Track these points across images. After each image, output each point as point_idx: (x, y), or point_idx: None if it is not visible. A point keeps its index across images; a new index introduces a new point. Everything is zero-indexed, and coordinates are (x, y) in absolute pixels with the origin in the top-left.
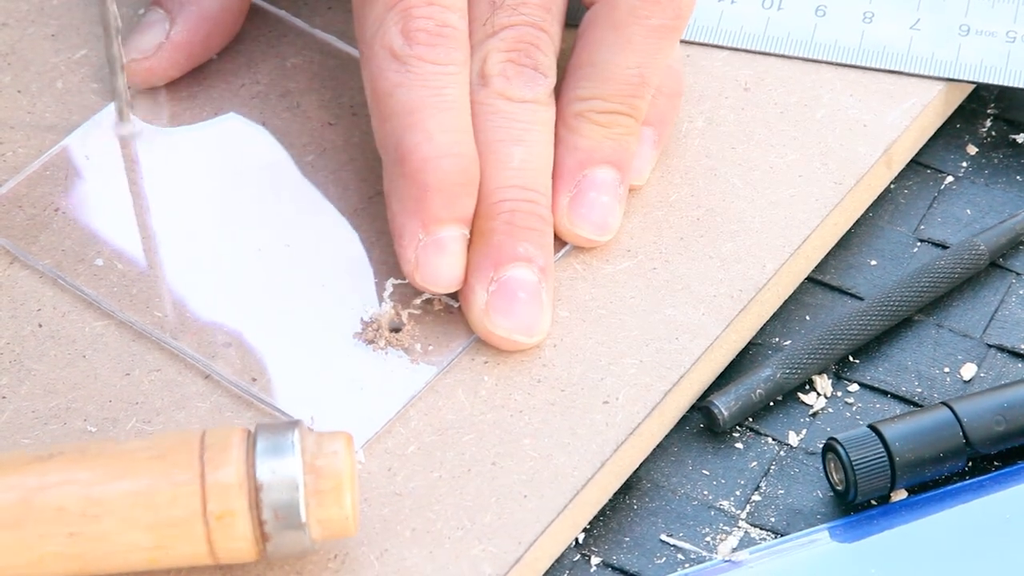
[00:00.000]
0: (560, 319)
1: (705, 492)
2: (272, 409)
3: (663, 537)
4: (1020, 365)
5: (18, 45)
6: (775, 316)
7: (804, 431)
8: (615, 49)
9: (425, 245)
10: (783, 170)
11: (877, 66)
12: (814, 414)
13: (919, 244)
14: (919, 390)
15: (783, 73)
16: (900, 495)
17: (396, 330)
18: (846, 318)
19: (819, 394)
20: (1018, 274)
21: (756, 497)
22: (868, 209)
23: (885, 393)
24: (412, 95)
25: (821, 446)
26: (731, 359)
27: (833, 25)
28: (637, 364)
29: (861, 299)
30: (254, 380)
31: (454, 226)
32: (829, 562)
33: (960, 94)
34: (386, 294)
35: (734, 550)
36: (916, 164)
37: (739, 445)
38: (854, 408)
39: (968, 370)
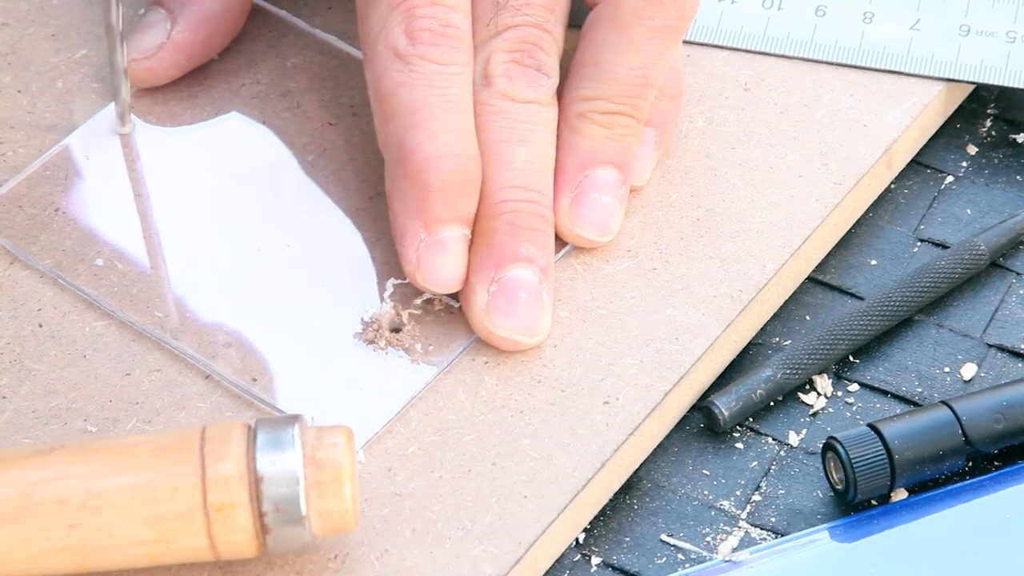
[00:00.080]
0: (560, 319)
1: (705, 492)
2: (273, 409)
3: (663, 537)
4: (1020, 365)
5: (18, 45)
6: (775, 316)
7: (804, 431)
8: (618, 50)
9: (427, 245)
10: (783, 170)
11: (877, 66)
12: (814, 414)
13: (919, 244)
14: (919, 390)
15: (783, 73)
16: (900, 495)
17: (396, 330)
18: (846, 318)
19: (819, 394)
20: (1018, 274)
21: (756, 497)
22: (868, 209)
23: (885, 393)
24: (415, 95)
25: (821, 446)
26: (731, 359)
27: (833, 25)
28: (637, 364)
29: (861, 299)
30: (254, 380)
31: (455, 226)
32: (829, 562)
33: (960, 94)
34: (386, 294)
35: (734, 550)
36: (916, 164)
37: (739, 445)
38: (854, 408)
39: (968, 370)
